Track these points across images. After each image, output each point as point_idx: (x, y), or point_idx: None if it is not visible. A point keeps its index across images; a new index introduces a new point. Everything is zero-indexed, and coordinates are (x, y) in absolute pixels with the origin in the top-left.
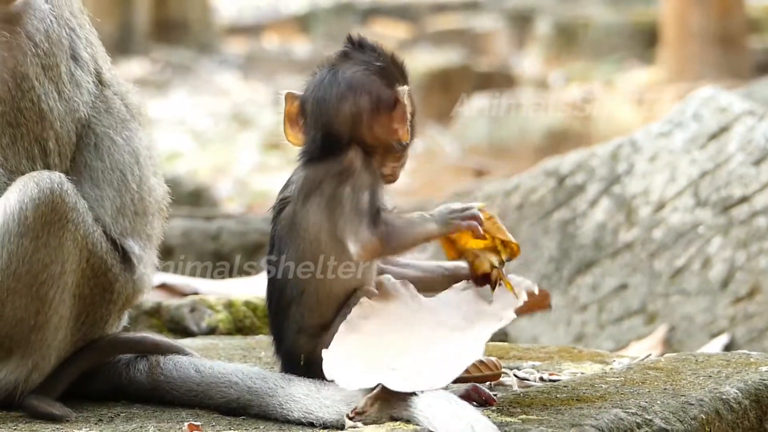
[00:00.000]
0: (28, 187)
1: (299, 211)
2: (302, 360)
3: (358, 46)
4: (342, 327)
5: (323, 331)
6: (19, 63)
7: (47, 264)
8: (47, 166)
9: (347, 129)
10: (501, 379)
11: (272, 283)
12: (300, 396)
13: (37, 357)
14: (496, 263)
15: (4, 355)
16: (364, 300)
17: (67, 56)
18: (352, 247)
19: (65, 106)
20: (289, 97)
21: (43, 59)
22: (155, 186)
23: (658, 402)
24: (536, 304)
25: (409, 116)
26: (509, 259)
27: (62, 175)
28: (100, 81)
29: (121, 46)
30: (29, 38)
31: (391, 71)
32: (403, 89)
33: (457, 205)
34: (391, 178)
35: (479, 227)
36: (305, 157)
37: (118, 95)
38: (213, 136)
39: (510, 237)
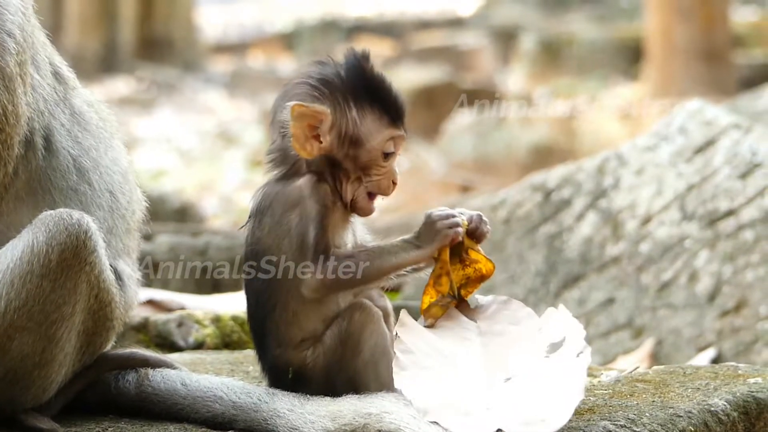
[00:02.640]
0: (58, 228)
1: (256, 229)
2: (290, 373)
3: (341, 58)
4: (395, 368)
5: (311, 344)
6: (6, 63)
7: (60, 305)
8: (6, 174)
9: (284, 142)
10: None
11: (247, 298)
12: (284, 411)
13: (38, 390)
14: (454, 288)
15: (5, 387)
16: (400, 334)
17: (30, 55)
18: (302, 288)
19: (27, 111)
20: None
21: (21, 56)
22: (139, 200)
23: (647, 414)
24: None
25: (323, 133)
26: (482, 280)
27: (88, 218)
28: (62, 83)
29: (106, 64)
30: (9, 35)
31: (333, 88)
32: (308, 105)
33: (441, 212)
34: (361, 209)
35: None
36: (266, 166)
37: (92, 107)
38: (198, 153)
39: (482, 254)
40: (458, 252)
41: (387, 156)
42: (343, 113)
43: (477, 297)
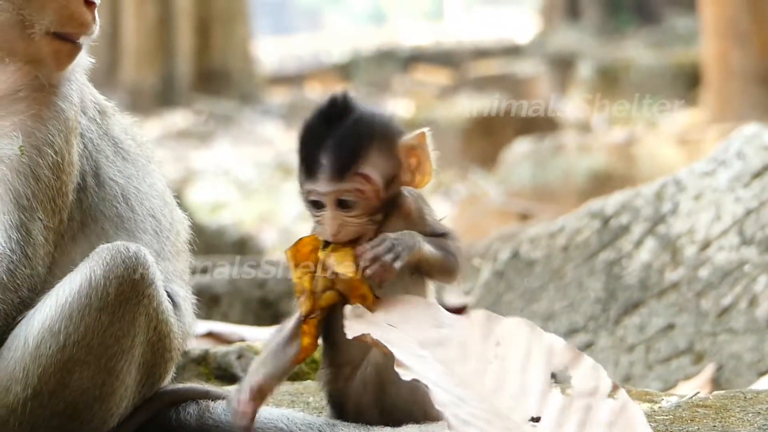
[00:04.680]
0: (116, 262)
1: None
2: (328, 396)
3: None
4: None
5: (347, 370)
6: (67, 117)
7: (119, 338)
8: (61, 221)
9: None
10: None
11: None
12: None
13: (98, 423)
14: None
15: (65, 421)
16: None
17: (79, 102)
18: None
19: (77, 159)
20: None
21: (76, 108)
22: (181, 220)
23: None
24: None
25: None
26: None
27: (145, 250)
28: (103, 116)
29: (163, 98)
30: (69, 100)
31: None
32: None
33: None
34: None
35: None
36: None
37: (129, 134)
38: (257, 185)
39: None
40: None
41: (313, 208)
42: None
43: None
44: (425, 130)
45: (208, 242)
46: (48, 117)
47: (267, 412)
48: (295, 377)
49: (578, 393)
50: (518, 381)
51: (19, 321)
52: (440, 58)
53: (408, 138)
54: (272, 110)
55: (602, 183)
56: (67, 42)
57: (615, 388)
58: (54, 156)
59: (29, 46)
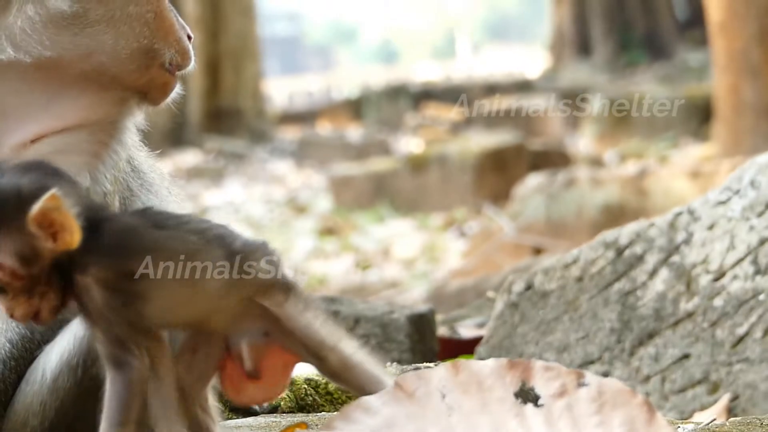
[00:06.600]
0: None
1: None
2: None
3: None
4: None
5: None
6: (118, 175)
7: None
8: None
9: None
10: None
11: None
12: None
13: None
14: None
15: None
16: None
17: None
18: None
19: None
20: None
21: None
22: None
23: None
24: None
25: None
26: None
27: None
28: (131, 148)
29: (174, 137)
30: (126, 145)
31: None
32: None
33: None
34: None
35: None
36: None
37: (150, 166)
38: (268, 223)
39: None
40: None
41: None
42: None
43: None
44: (54, 190)
45: None
46: (110, 166)
47: None
48: (310, 409)
49: None
50: None
51: (37, 354)
52: (450, 94)
53: (35, 208)
54: (283, 148)
55: (615, 217)
56: (172, 75)
57: None
58: None
59: (143, 75)
